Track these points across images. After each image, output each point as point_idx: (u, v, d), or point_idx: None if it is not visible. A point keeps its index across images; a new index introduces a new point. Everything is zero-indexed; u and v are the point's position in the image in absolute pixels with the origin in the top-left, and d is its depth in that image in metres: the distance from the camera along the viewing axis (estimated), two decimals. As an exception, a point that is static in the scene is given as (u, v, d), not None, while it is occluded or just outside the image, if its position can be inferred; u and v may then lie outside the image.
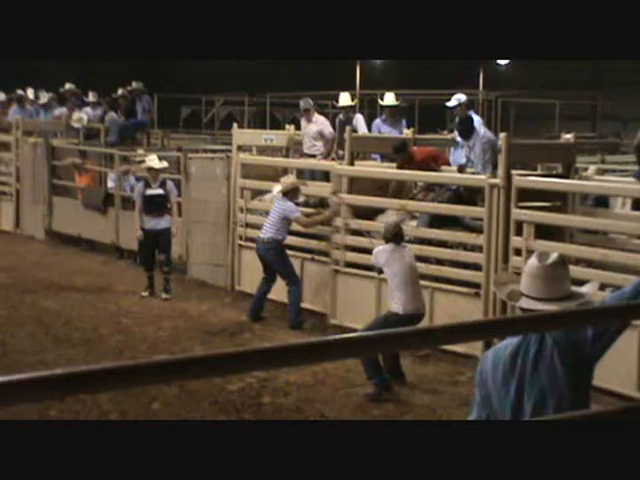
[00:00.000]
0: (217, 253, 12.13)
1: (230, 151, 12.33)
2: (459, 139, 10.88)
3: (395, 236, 7.93)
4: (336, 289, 10.06)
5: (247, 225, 11.72)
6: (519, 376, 3.25)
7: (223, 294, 11.66)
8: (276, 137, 12.65)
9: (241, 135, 12.49)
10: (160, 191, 11.48)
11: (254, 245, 11.36)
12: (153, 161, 11.58)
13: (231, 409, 7.21)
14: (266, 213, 10.64)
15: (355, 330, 7.81)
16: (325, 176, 11.31)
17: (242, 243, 11.73)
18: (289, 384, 7.76)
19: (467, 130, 10.14)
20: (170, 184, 11.68)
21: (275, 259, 10.10)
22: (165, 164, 11.74)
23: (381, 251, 7.95)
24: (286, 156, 12.51)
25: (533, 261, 3.42)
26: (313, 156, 12.37)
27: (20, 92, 18.07)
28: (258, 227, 11.62)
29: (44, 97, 17.98)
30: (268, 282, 10.17)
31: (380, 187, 10.28)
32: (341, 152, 11.55)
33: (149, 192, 11.45)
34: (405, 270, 7.76)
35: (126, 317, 10.25)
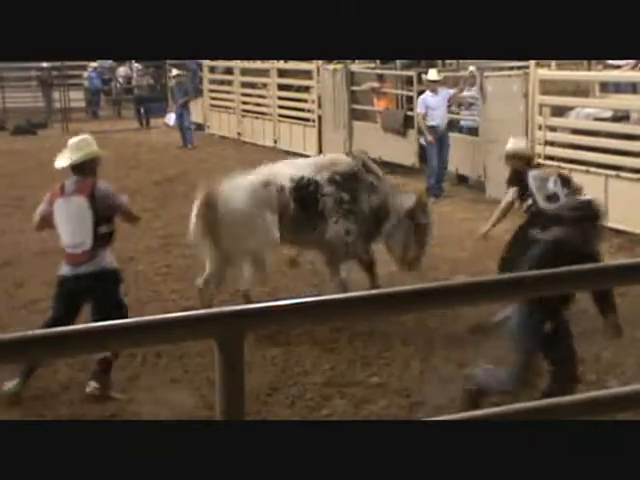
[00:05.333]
0: (515, 172, 11.89)
1: (528, 67, 11.95)
2: None
3: None
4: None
5: (546, 143, 11.38)
6: None
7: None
8: (577, 49, 12.07)
9: (540, 49, 12.02)
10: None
11: (554, 163, 11.10)
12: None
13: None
14: (572, 131, 10.38)
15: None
16: (632, 88, 10.66)
17: (541, 161, 11.41)
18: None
19: None
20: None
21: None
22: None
23: None
24: (588, 69, 11.92)
25: None
26: (618, 67, 11.67)
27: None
28: (559, 145, 11.30)
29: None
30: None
31: None
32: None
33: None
34: None
35: (426, 238, 10.39)
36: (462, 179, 13.90)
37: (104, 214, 6.04)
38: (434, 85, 12.97)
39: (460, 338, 6.98)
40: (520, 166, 7.73)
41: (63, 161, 6.12)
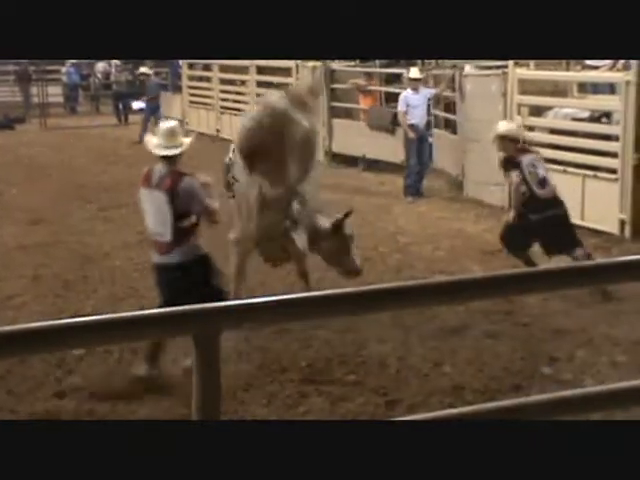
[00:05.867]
0: (493, 172, 11.91)
1: (506, 67, 12.00)
2: None
3: None
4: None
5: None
6: None
7: (500, 213, 11.51)
8: (556, 49, 12.12)
9: (518, 49, 12.05)
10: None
11: (532, 163, 11.19)
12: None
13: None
14: (549, 130, 10.47)
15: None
16: (610, 89, 10.74)
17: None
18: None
19: None
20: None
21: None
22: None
23: None
24: (566, 69, 11.99)
25: None
26: (596, 68, 11.75)
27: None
28: (537, 144, 11.34)
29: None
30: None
31: None
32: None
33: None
34: None
35: (404, 236, 10.43)
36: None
37: (185, 209, 5.98)
38: (415, 83, 13.02)
39: (436, 336, 7.01)
40: (511, 149, 8.14)
41: (162, 149, 6.07)
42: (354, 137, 15.38)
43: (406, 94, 13.04)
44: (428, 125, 13.66)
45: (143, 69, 20.99)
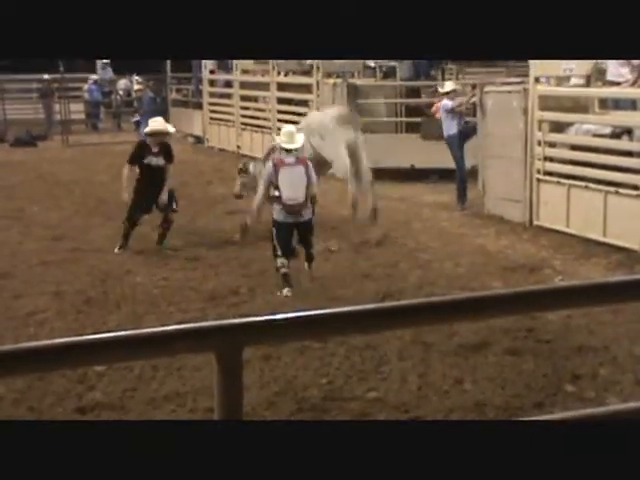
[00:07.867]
0: (514, 188, 11.92)
1: (527, 83, 12.00)
2: None
3: None
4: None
5: (546, 159, 11.41)
6: None
7: (521, 229, 11.49)
8: (577, 66, 12.09)
9: (539, 66, 12.05)
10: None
11: (553, 179, 11.17)
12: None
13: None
14: (571, 147, 10.49)
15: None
16: (632, 104, 10.70)
17: (540, 177, 11.45)
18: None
19: None
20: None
21: (451, 149, 13.28)
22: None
23: None
24: (587, 85, 11.95)
25: None
26: (618, 84, 11.71)
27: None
28: (558, 161, 11.34)
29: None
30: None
31: None
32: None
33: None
34: None
35: (425, 253, 10.40)
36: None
37: (309, 181, 8.80)
38: (451, 95, 13.46)
39: (457, 353, 6.98)
40: (165, 138, 10.93)
41: (288, 144, 8.88)
42: (379, 149, 15.34)
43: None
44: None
45: (138, 86, 21.87)
